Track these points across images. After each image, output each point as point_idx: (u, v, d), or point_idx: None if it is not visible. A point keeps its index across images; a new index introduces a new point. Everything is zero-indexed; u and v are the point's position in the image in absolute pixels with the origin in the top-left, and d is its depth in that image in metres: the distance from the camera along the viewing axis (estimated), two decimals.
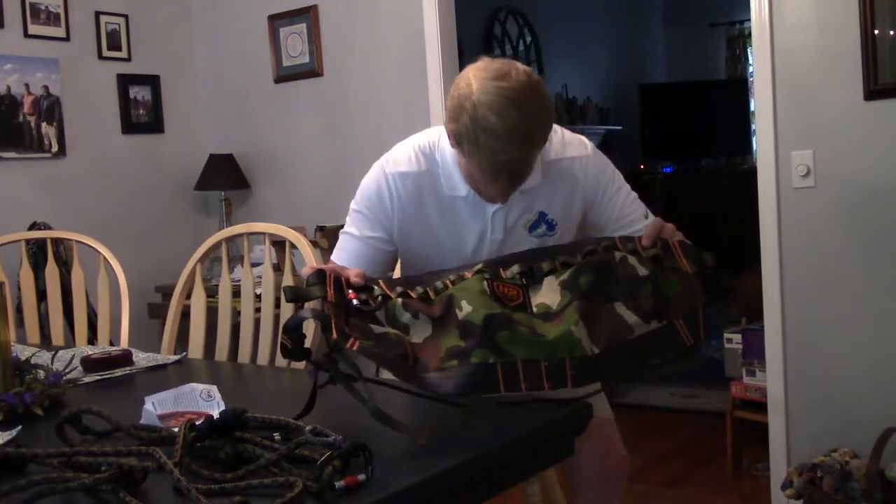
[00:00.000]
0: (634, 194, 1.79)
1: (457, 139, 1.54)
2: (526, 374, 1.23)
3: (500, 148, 1.47)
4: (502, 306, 1.29)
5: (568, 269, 1.35)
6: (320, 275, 1.32)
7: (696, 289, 1.36)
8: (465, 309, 1.28)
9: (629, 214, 1.74)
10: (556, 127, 1.68)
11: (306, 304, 1.34)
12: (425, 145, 1.71)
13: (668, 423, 4.04)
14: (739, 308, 1.48)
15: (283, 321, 2.10)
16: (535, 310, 1.31)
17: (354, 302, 1.29)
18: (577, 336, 1.26)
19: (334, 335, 1.23)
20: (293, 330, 1.28)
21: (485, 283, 1.31)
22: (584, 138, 1.78)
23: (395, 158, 1.71)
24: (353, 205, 1.74)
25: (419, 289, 1.34)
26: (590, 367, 1.25)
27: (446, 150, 1.67)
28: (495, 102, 1.47)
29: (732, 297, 1.47)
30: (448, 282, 1.34)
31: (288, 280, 2.20)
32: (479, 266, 1.34)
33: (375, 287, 1.34)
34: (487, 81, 1.50)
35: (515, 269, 1.35)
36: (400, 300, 1.31)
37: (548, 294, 1.33)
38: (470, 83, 1.52)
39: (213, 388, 1.40)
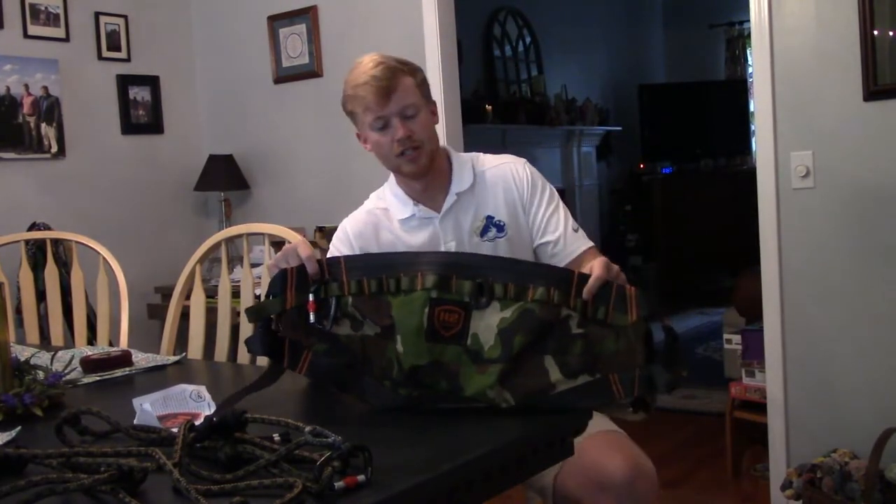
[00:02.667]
0: (568, 212, 1.90)
1: (350, 115, 1.84)
2: (448, 400, 1.35)
3: (362, 69, 1.77)
4: (435, 342, 1.34)
5: (514, 305, 1.33)
6: (283, 281, 1.39)
7: (636, 348, 1.31)
8: (399, 346, 1.35)
9: (552, 225, 1.85)
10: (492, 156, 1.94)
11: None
12: (373, 195, 1.97)
13: (667, 424, 4.04)
14: (684, 366, 1.31)
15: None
16: (469, 341, 1.33)
17: (311, 318, 1.37)
18: (491, 396, 1.32)
19: (286, 362, 1.37)
20: (256, 351, 1.41)
21: (426, 310, 1.34)
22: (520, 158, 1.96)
23: (351, 215, 1.95)
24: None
25: (373, 283, 1.37)
26: (502, 410, 1.32)
27: (387, 186, 1.92)
28: (351, 69, 1.81)
29: (680, 358, 1.31)
30: (401, 282, 1.36)
31: None
32: (433, 280, 1.34)
33: (334, 284, 1.39)
34: None
35: (467, 286, 1.34)
36: (351, 299, 1.38)
37: (485, 331, 1.33)
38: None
39: (202, 389, 1.40)
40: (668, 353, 1.31)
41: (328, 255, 1.70)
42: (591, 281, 1.31)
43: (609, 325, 1.31)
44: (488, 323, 1.33)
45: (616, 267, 1.37)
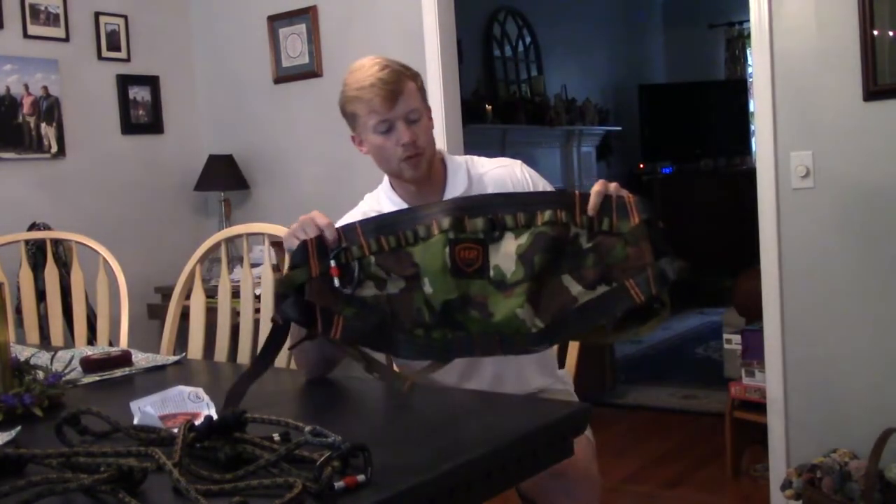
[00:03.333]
0: None
1: (350, 117, 1.82)
2: (480, 344, 1.42)
3: (366, 72, 1.76)
4: (460, 279, 1.41)
5: (527, 232, 1.41)
6: (304, 251, 1.43)
7: (643, 249, 1.40)
8: (426, 288, 1.41)
9: None
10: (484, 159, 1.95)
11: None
12: (367, 196, 1.95)
13: (667, 424, 4.04)
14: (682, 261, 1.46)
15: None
16: (491, 273, 1.41)
17: (336, 282, 1.42)
18: (522, 318, 1.38)
19: (319, 328, 1.40)
20: (289, 319, 1.43)
21: (447, 249, 1.40)
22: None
23: (346, 215, 1.91)
24: None
25: (391, 239, 1.43)
26: (536, 339, 1.39)
27: (381, 190, 1.91)
28: (353, 70, 1.80)
29: (671, 250, 1.45)
30: (418, 233, 1.43)
31: None
32: (447, 222, 1.41)
33: (354, 247, 1.44)
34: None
35: (479, 223, 1.42)
36: (374, 258, 1.43)
37: (505, 260, 1.41)
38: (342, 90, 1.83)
39: (200, 391, 1.40)
40: (665, 242, 1.40)
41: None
42: (592, 197, 1.41)
43: (615, 234, 1.41)
44: (506, 252, 1.40)
45: (614, 183, 1.44)
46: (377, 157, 1.82)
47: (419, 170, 1.79)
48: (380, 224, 1.46)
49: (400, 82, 1.75)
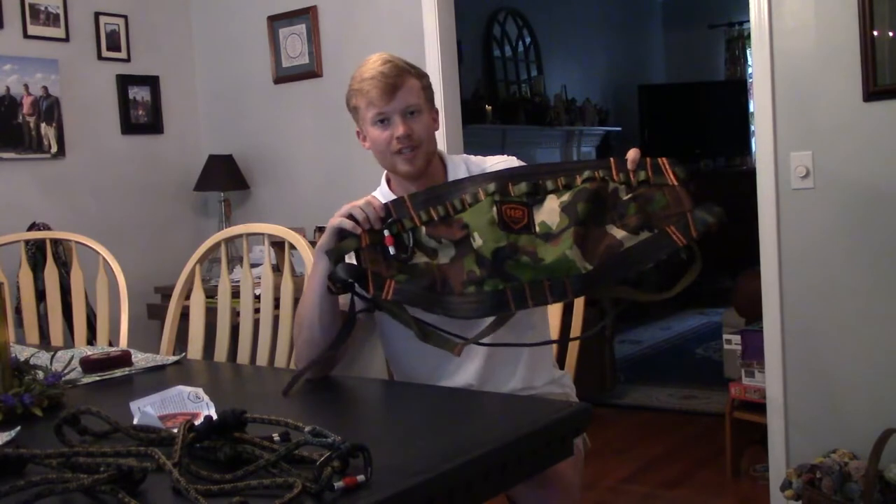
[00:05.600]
0: None
1: (353, 111, 1.82)
2: (532, 293, 1.50)
3: (369, 66, 1.78)
4: (509, 232, 1.52)
5: (568, 191, 1.52)
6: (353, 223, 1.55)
7: (682, 197, 1.50)
8: (477, 240, 1.52)
9: None
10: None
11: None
12: (368, 196, 1.91)
13: (666, 424, 4.04)
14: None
15: (281, 321, 2.14)
16: (537, 229, 1.51)
17: (391, 250, 1.54)
18: (571, 258, 1.47)
19: (371, 290, 1.52)
20: (341, 281, 1.54)
21: (494, 208, 1.53)
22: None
23: None
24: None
25: (440, 209, 1.56)
26: (585, 281, 1.47)
27: (378, 192, 1.87)
28: (359, 66, 1.81)
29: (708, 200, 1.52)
30: (465, 200, 1.55)
31: (287, 281, 2.20)
32: (493, 187, 1.53)
33: (405, 220, 1.56)
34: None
35: (523, 187, 1.54)
36: (424, 228, 1.56)
37: (549, 214, 1.51)
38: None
39: (200, 391, 1.40)
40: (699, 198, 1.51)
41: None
42: (630, 153, 1.53)
43: (652, 185, 1.52)
44: (550, 208, 1.52)
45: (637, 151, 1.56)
46: (374, 150, 1.82)
47: (413, 165, 1.78)
48: (428, 197, 1.58)
49: (400, 77, 1.76)
